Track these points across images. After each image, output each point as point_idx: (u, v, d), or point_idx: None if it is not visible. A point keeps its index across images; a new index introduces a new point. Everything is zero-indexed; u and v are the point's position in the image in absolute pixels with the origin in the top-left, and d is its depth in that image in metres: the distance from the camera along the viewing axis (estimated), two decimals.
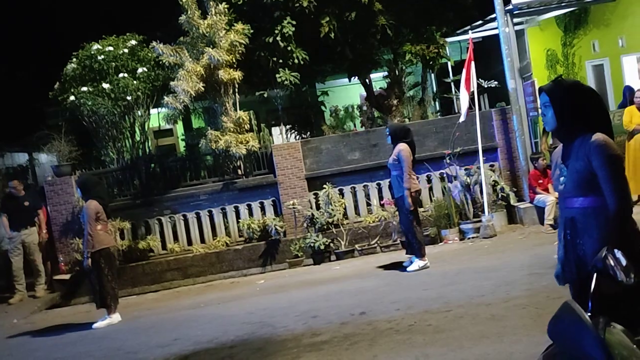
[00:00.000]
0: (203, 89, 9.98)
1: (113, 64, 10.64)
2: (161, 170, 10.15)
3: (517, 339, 4.14)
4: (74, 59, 10.43)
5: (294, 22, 10.37)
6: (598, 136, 2.40)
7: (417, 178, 9.03)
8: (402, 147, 6.93)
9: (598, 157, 2.35)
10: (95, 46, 10.75)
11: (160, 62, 10.26)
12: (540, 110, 2.54)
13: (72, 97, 10.20)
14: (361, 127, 12.36)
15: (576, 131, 2.46)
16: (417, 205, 7.03)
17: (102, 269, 6.80)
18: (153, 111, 11.35)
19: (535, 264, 6.45)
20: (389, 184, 7.21)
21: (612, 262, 1.96)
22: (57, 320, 7.83)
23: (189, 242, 9.87)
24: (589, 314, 1.71)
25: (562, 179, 2.52)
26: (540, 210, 8.79)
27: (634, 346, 1.58)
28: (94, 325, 6.84)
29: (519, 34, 12.43)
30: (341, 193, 10.01)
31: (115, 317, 6.94)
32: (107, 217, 7.05)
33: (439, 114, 12.97)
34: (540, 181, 9.07)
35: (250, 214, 10.18)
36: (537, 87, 9.84)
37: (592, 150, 2.37)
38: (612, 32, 12.87)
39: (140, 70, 10.61)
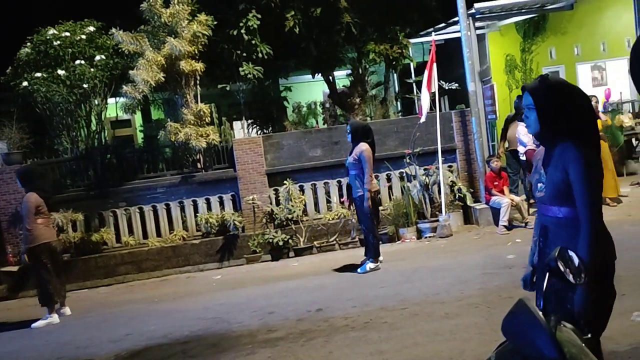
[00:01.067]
0: (163, 79, 9.82)
1: (69, 50, 10.34)
2: (117, 161, 9.96)
3: (469, 337, 4.23)
4: (28, 44, 10.17)
5: (259, 16, 10.28)
6: (577, 147, 2.28)
7: (377, 177, 8.93)
8: (364, 147, 6.90)
9: (575, 170, 2.26)
10: (51, 31, 10.44)
11: (120, 50, 9.94)
12: (523, 112, 2.42)
13: (25, 83, 9.91)
14: (323, 124, 12.34)
15: (558, 135, 2.33)
16: (376, 205, 7.04)
17: (44, 264, 6.54)
18: (111, 100, 11.12)
19: (489, 264, 6.52)
20: (348, 182, 7.20)
21: (562, 265, 1.98)
22: (3, 314, 7.62)
23: (145, 236, 9.73)
24: (541, 311, 1.75)
25: (540, 185, 2.44)
26: (496, 212, 8.89)
27: (583, 344, 1.66)
28: (33, 325, 6.55)
29: (480, 38, 12.66)
30: (301, 189, 9.99)
31: (55, 318, 6.66)
32: (50, 210, 6.79)
33: (400, 113, 13.08)
34: (496, 183, 9.19)
35: (209, 208, 10.06)
36: (495, 91, 10.07)
37: (570, 162, 2.27)
38: (569, 40, 13.31)
39: (98, 57, 10.36)
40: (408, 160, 9.79)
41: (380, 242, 9.58)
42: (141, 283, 9.07)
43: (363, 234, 7.31)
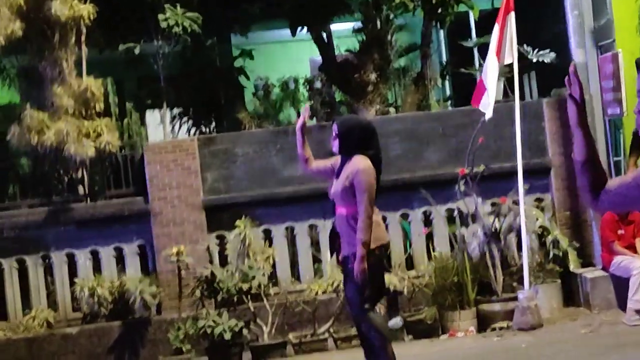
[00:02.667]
0: (21, 32, 9.88)
1: None
2: None
3: None
4: None
5: None
6: None
7: (386, 220, 8.92)
8: (361, 165, 6.57)
9: None
10: None
11: None
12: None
13: None
14: (311, 118, 12.27)
15: None
16: (381, 271, 6.77)
17: None
18: None
19: None
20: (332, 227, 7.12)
21: None
22: None
23: None
24: None
25: None
26: (621, 283, 8.86)
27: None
28: None
29: None
30: (268, 237, 10.19)
31: None
32: None
33: (450, 102, 13.11)
34: (621, 232, 9.19)
35: (97, 269, 10.12)
36: (621, 64, 9.90)
37: None
38: None
39: None
40: (463, 188, 9.68)
41: (409, 338, 9.19)
42: None
43: (356, 326, 6.98)
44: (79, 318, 9.99)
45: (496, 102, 9.70)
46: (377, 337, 6.70)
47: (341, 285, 9.09)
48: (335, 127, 6.75)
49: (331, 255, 7.31)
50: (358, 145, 6.65)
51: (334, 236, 6.92)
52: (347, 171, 6.57)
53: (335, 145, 6.70)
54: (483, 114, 9.57)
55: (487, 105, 9.48)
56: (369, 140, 6.73)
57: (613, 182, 3.17)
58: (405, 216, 10.32)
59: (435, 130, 10.44)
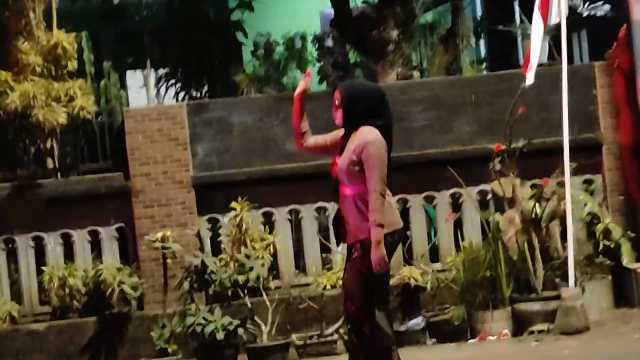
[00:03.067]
0: None
1: None
2: None
3: None
4: None
5: None
6: None
7: (407, 205, 9.16)
8: (370, 136, 6.48)
9: None
10: None
11: None
12: None
13: None
14: (320, 83, 12.52)
15: None
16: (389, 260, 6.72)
17: None
18: None
19: None
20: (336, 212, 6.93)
21: None
22: None
23: None
24: None
25: None
26: None
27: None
28: None
29: None
30: (268, 221, 10.26)
31: None
32: None
33: (484, 65, 13.12)
34: None
35: (69, 256, 10.16)
36: None
37: None
38: None
39: None
40: (498, 167, 9.60)
41: (432, 342, 9.20)
42: None
43: (353, 327, 6.88)
44: (47, 312, 10.04)
45: (539, 65, 9.64)
46: (381, 341, 6.72)
47: None
48: (337, 94, 6.68)
49: (338, 244, 7.28)
50: (365, 114, 6.61)
51: (339, 221, 6.85)
52: (353, 144, 6.53)
53: (338, 116, 6.64)
54: (524, 79, 9.53)
55: (528, 69, 9.44)
56: (379, 108, 6.69)
57: None
58: (429, 199, 10.28)
59: (466, 98, 10.37)
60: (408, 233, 10.14)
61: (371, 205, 6.41)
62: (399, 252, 9.78)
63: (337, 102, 6.63)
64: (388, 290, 7.10)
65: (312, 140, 6.85)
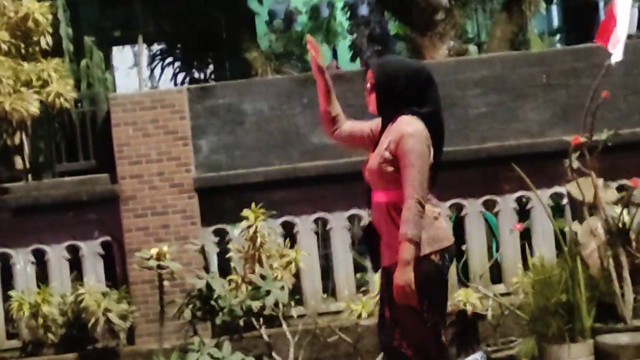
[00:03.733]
0: None
1: None
2: None
3: None
4: None
5: None
6: None
7: (461, 213, 9.49)
8: (409, 128, 6.36)
9: None
10: None
11: None
12: None
13: None
14: (352, 59, 12.66)
15: None
16: (443, 289, 6.68)
17: None
18: None
19: None
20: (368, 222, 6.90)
21: None
22: None
23: None
24: None
25: None
26: None
27: None
28: None
29: None
30: (289, 234, 10.33)
31: None
32: None
33: (558, 37, 13.25)
34: None
35: (43, 278, 10.22)
36: None
37: None
38: None
39: None
40: (576, 164, 9.56)
41: None
42: None
43: None
44: (16, 348, 10.09)
45: (628, 37, 9.63)
46: None
47: None
48: (370, 75, 6.66)
49: (373, 266, 6.86)
50: (405, 100, 6.56)
51: (371, 236, 6.78)
52: (387, 138, 6.49)
53: (372, 102, 6.60)
54: (609, 55, 9.48)
55: (615, 43, 9.40)
56: (423, 92, 6.63)
57: None
58: (490, 205, 10.35)
59: (536, 79, 10.39)
60: (463, 248, 10.15)
61: (403, 215, 6.27)
62: (452, 272, 9.58)
63: (369, 84, 6.58)
64: (443, 321, 6.75)
65: (348, 126, 6.74)
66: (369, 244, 6.77)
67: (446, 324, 6.82)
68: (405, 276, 6.12)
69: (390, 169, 6.33)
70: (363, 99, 8.31)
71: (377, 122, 6.59)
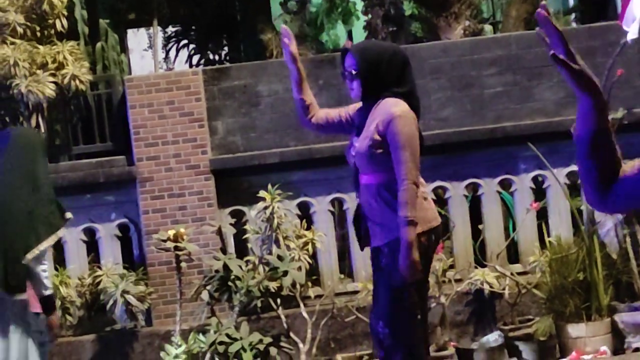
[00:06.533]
0: None
1: None
2: None
3: None
4: None
5: None
6: None
7: (478, 192, 9.47)
8: (396, 109, 6.48)
9: None
10: None
11: None
12: None
13: None
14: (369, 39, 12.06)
15: None
16: (426, 270, 6.83)
17: None
18: None
19: None
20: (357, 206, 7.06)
21: None
22: None
23: None
24: None
25: None
26: None
27: None
28: None
29: None
30: (306, 214, 10.37)
31: None
32: None
33: (573, 16, 13.23)
34: None
35: (60, 260, 10.27)
36: None
37: None
38: None
39: None
40: None
41: None
42: None
43: (377, 344, 7.03)
44: None
45: None
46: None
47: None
48: (351, 60, 6.71)
49: (361, 247, 7.21)
50: (387, 82, 6.69)
51: (360, 219, 6.92)
52: (374, 120, 6.61)
53: (355, 89, 6.70)
54: (624, 34, 9.52)
55: (630, 20, 9.40)
56: (402, 72, 6.77)
57: (631, 166, 3.22)
58: (506, 184, 10.37)
59: (545, 57, 10.33)
60: (480, 227, 10.23)
61: (401, 197, 6.44)
62: (468, 250, 10.04)
63: (352, 69, 6.63)
64: (425, 307, 7.08)
65: (323, 113, 6.94)
66: (357, 225, 6.95)
67: (425, 305, 7.06)
68: (412, 257, 6.36)
69: (379, 151, 6.51)
70: None
71: (352, 106, 6.81)
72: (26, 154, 7.24)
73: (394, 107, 6.57)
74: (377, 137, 6.56)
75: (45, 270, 7.16)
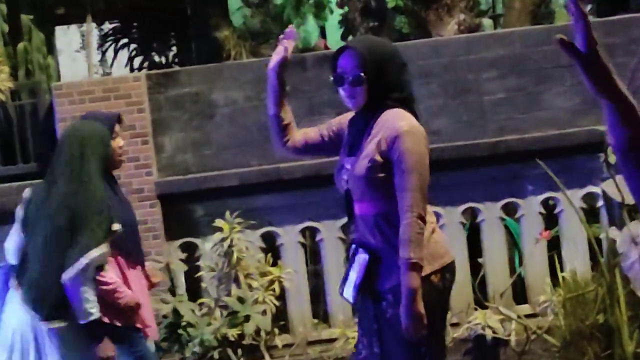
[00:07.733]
0: None
1: None
2: None
3: None
4: None
5: None
6: None
7: (477, 220, 9.94)
8: (404, 125, 6.27)
9: None
10: None
11: None
12: None
13: None
14: (343, 38, 12.46)
15: None
16: (442, 314, 6.58)
17: None
18: None
19: None
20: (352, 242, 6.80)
21: None
22: None
23: None
24: None
25: None
26: None
27: None
28: None
29: None
30: (272, 248, 10.25)
31: None
32: None
33: (590, 7, 13.09)
34: None
35: None
36: None
37: None
38: None
39: None
40: (613, 159, 9.43)
41: None
42: None
43: None
44: None
45: None
46: None
47: None
48: (354, 61, 6.18)
49: (341, 289, 6.61)
50: (390, 86, 6.28)
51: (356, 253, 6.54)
52: (375, 137, 6.20)
53: (359, 96, 6.19)
54: None
55: None
56: (404, 74, 6.45)
57: None
58: (511, 209, 10.01)
59: (562, 58, 9.66)
60: (480, 261, 10.09)
61: (403, 234, 6.02)
62: (466, 288, 9.85)
63: (358, 73, 6.09)
64: (444, 350, 6.73)
65: (300, 136, 6.55)
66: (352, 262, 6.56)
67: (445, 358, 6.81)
68: (415, 308, 5.98)
69: (381, 175, 6.12)
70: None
71: (337, 120, 6.49)
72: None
73: (400, 120, 6.14)
74: (379, 159, 6.11)
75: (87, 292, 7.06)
